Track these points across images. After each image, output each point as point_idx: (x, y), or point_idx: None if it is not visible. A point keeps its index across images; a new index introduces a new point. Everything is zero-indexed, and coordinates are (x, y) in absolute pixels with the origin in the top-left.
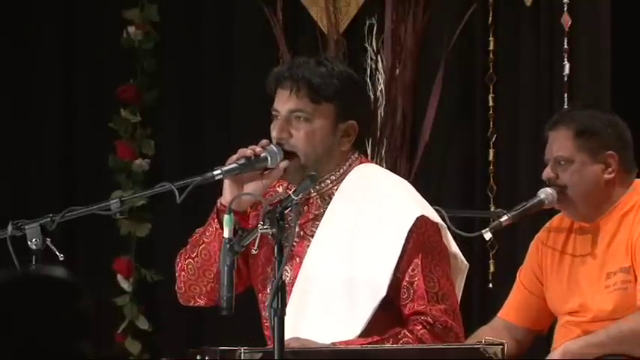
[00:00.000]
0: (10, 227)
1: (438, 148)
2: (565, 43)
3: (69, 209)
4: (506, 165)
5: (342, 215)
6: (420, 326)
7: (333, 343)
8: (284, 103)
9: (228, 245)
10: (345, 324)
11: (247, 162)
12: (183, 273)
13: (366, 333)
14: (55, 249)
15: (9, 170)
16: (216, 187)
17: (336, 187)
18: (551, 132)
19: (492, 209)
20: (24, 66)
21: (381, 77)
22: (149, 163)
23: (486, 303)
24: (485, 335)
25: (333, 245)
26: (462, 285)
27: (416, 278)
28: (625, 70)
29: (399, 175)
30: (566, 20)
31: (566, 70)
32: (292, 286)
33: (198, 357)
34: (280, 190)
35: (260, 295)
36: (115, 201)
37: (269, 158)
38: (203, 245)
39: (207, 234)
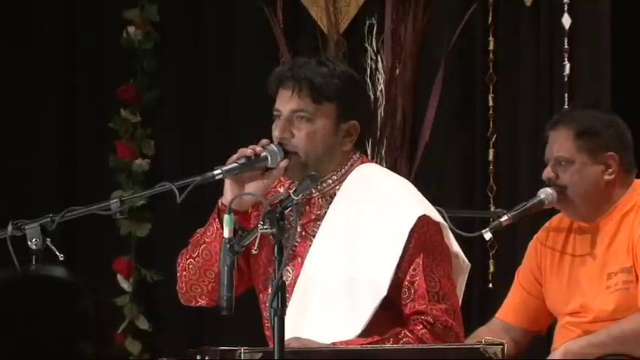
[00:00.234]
0: (10, 227)
1: (438, 148)
2: (565, 43)
3: (69, 209)
4: (506, 165)
5: (344, 215)
6: (421, 326)
7: (334, 343)
8: (286, 103)
9: (228, 245)
10: (345, 323)
11: (247, 161)
12: (184, 273)
13: (366, 333)
14: (55, 249)
15: (9, 170)
16: (217, 187)
17: (337, 187)
18: (552, 132)
19: (492, 209)
20: (24, 66)
21: (381, 77)
22: (149, 163)
23: (486, 303)
24: (483, 336)
25: (335, 245)
26: (464, 285)
27: (417, 278)
28: (625, 70)
29: (399, 175)
30: (566, 20)
31: (567, 70)
32: (294, 286)
33: (198, 357)
34: (281, 190)
35: (261, 295)
36: (115, 201)
37: (269, 158)
38: (204, 245)
39: (209, 234)
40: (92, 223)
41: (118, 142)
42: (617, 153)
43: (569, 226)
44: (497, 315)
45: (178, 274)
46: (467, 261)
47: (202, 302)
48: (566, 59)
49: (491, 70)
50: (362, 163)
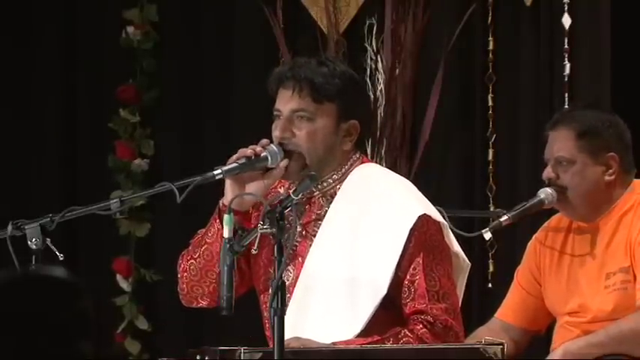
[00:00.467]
0: (10, 227)
1: (438, 148)
2: (565, 43)
3: (69, 209)
4: (505, 165)
5: (344, 215)
6: (421, 325)
7: (334, 343)
8: (286, 102)
9: (228, 245)
10: (346, 323)
11: (247, 161)
12: (185, 274)
13: (366, 332)
14: (55, 249)
15: (9, 170)
16: (217, 187)
17: (338, 187)
18: (552, 132)
19: (492, 209)
20: (24, 66)
21: (380, 77)
22: (148, 163)
23: (486, 303)
24: (483, 336)
25: (335, 245)
26: (464, 284)
27: (417, 277)
28: (625, 70)
29: (399, 174)
30: (566, 20)
31: (567, 70)
32: (294, 286)
33: (198, 357)
34: (282, 190)
35: (262, 296)
36: (114, 201)
37: (269, 158)
38: (205, 246)
39: (209, 235)
40: (92, 223)
41: (117, 142)
42: (618, 153)
43: (569, 226)
44: (496, 315)
45: (179, 276)
46: (467, 260)
47: (204, 303)
48: (566, 59)
49: (490, 70)
50: (362, 162)
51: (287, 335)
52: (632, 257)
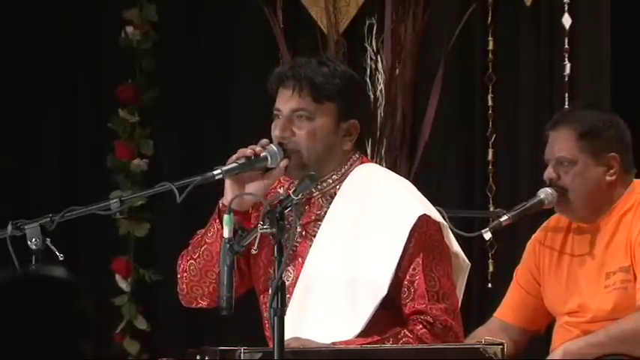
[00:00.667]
0: (10, 227)
1: (438, 148)
2: (565, 43)
3: (69, 209)
4: (505, 165)
5: (344, 215)
6: (420, 326)
7: (334, 343)
8: (286, 102)
9: (227, 245)
10: (346, 323)
11: (247, 161)
12: (185, 274)
13: (366, 332)
14: (54, 249)
15: (9, 170)
16: (217, 187)
17: (338, 187)
18: (553, 132)
19: (492, 209)
20: (24, 66)
21: (380, 77)
22: (147, 163)
23: (485, 303)
24: (481, 335)
25: (335, 245)
26: (464, 284)
27: (417, 277)
28: (625, 70)
29: (398, 175)
30: (566, 20)
31: (567, 70)
32: (294, 286)
33: (198, 357)
34: (281, 191)
35: (262, 296)
36: (114, 201)
37: (269, 158)
38: (205, 246)
39: (209, 235)
40: (92, 223)
41: (116, 142)
42: (619, 153)
43: (568, 226)
44: (495, 314)
45: (179, 276)
46: (467, 261)
47: (203, 304)
48: (566, 59)
49: (490, 70)
50: (362, 162)
51: (287, 335)
52: (633, 257)
